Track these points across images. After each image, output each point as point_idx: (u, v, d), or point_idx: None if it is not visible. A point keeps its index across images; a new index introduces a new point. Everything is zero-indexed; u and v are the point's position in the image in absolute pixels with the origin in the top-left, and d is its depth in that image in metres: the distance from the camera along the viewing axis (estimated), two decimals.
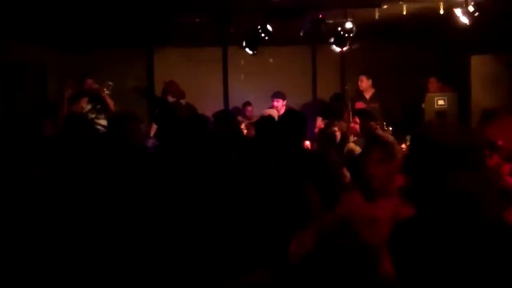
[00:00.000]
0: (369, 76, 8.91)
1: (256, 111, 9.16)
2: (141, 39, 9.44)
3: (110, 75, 8.56)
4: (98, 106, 8.14)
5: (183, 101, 8.79)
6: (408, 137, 6.90)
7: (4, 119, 7.67)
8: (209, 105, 8.97)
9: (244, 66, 9.82)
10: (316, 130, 8.11)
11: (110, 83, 8.15)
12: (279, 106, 8.67)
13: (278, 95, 8.84)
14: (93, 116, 8.02)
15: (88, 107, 8.12)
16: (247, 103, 9.48)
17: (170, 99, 8.58)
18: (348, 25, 7.82)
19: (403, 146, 6.63)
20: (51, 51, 9.09)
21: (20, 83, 8.39)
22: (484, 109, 5.32)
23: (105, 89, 8.08)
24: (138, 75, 10.03)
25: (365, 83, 8.87)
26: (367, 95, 8.82)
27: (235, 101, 10.00)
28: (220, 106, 9.88)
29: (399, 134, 6.84)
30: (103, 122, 7.85)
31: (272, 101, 8.85)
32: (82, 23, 7.80)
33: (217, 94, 10.18)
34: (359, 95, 8.88)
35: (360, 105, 8.54)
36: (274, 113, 7.92)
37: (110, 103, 8.12)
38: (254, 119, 8.55)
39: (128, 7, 7.07)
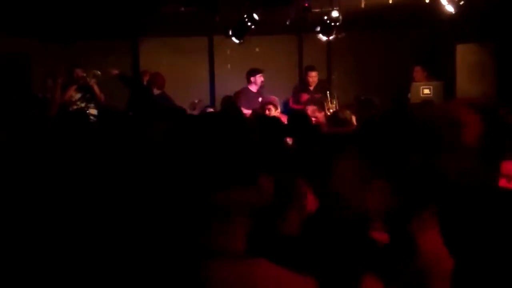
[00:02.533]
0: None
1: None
2: (126, 29, 9.35)
3: (95, 65, 8.36)
4: (88, 95, 8.06)
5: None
6: None
7: None
8: (195, 95, 8.93)
9: (230, 56, 9.78)
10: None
11: (98, 72, 8.05)
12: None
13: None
14: (82, 105, 7.97)
15: (78, 96, 8.03)
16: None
17: (156, 91, 8.47)
18: (334, 14, 7.82)
19: None
20: (35, 42, 8.98)
21: (4, 74, 8.29)
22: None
23: (92, 79, 7.98)
24: (123, 66, 9.86)
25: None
26: (312, 87, 8.75)
27: (222, 91, 9.85)
28: (206, 96, 9.87)
29: None
30: (93, 111, 7.88)
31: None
32: (66, 13, 7.72)
33: (203, 83, 10.13)
34: (305, 87, 8.80)
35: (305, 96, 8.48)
36: (276, 101, 7.83)
37: (98, 92, 8.05)
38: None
39: None
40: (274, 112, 7.51)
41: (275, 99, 7.84)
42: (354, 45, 9.65)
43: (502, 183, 2.42)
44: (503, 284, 1.62)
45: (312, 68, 8.80)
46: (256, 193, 1.42)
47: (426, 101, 8.02)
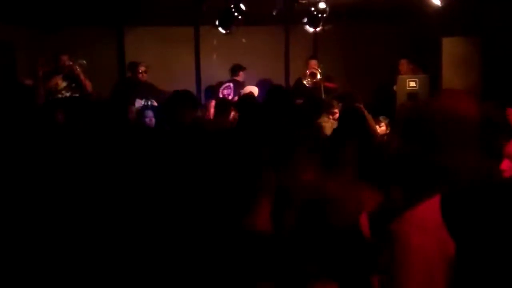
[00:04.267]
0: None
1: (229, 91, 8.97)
2: (111, 18, 9.21)
3: (80, 54, 8.31)
4: (73, 85, 7.94)
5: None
6: (382, 119, 6.88)
7: None
8: (181, 85, 8.73)
9: (216, 46, 9.66)
10: None
11: (83, 61, 7.96)
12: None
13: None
14: (67, 94, 7.86)
15: (63, 84, 7.92)
16: (221, 83, 9.23)
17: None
18: (321, 5, 7.79)
19: (377, 127, 6.60)
20: (19, 29, 8.82)
21: None
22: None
23: (79, 67, 7.89)
24: (108, 54, 9.82)
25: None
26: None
27: (208, 81, 9.85)
28: (192, 86, 9.77)
29: (372, 116, 6.76)
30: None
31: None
32: (52, 0, 7.56)
33: (190, 74, 10.02)
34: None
35: None
36: (255, 90, 7.82)
37: (84, 80, 7.93)
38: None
39: None
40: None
41: (255, 88, 7.83)
42: (341, 37, 9.62)
43: (506, 164, 2.39)
44: (506, 277, 1.59)
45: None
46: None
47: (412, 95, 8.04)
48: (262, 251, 1.77)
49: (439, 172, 1.59)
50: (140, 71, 8.44)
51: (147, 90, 8.29)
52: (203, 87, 10.04)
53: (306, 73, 8.50)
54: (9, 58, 8.77)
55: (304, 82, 8.34)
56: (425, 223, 1.64)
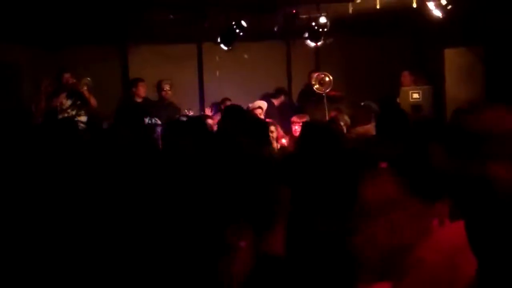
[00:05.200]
0: None
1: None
2: (115, 36, 9.27)
3: (85, 72, 8.40)
4: (78, 102, 8.01)
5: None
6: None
7: None
8: (185, 101, 8.85)
9: (219, 62, 9.65)
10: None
11: (88, 79, 8.03)
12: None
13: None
14: (73, 112, 7.90)
15: (68, 103, 7.98)
16: (226, 99, 9.19)
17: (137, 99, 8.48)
18: (322, 20, 7.80)
19: None
20: (24, 49, 8.86)
21: None
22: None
23: (83, 85, 7.97)
24: (112, 72, 9.87)
25: None
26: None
27: (211, 97, 9.83)
28: (196, 103, 9.80)
29: None
30: (83, 118, 7.81)
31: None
32: (55, 19, 7.62)
33: (193, 90, 10.04)
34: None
35: None
36: (264, 104, 7.81)
37: (90, 98, 8.00)
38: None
39: (102, 3, 6.92)
40: (262, 115, 7.51)
41: (264, 103, 7.81)
42: (342, 51, 9.62)
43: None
44: None
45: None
46: None
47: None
48: (276, 274, 1.74)
49: (490, 186, 1.56)
50: (165, 89, 8.52)
51: (172, 109, 8.33)
52: (206, 103, 10.00)
53: (313, 81, 8.40)
54: (15, 79, 8.79)
55: (315, 88, 8.27)
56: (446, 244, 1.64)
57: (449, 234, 1.69)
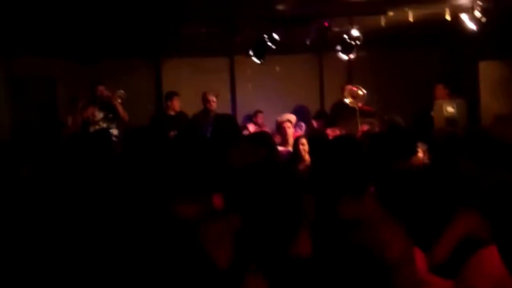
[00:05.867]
0: None
1: (265, 119, 9.11)
2: (149, 50, 9.40)
3: (118, 85, 8.52)
4: (110, 115, 8.13)
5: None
6: (420, 145, 6.73)
7: (15, 133, 7.68)
8: None
9: (251, 75, 9.75)
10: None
11: (122, 91, 8.14)
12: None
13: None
14: (104, 125, 8.01)
15: (100, 115, 8.10)
16: (258, 111, 9.35)
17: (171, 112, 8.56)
18: (354, 32, 7.80)
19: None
20: (60, 63, 9.04)
21: (30, 96, 8.43)
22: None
23: (117, 98, 8.08)
24: (146, 86, 9.99)
25: None
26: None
27: (244, 110, 9.91)
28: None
29: None
30: (115, 131, 7.92)
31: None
32: (90, 34, 7.79)
33: (225, 103, 10.03)
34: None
35: None
36: (293, 117, 7.81)
37: (122, 112, 8.11)
38: (265, 127, 8.57)
39: (136, 17, 7.06)
40: (291, 128, 7.50)
41: (293, 116, 7.80)
42: (375, 64, 9.60)
43: None
44: None
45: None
46: None
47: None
48: (304, 276, 1.82)
49: None
50: (211, 100, 8.51)
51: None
52: (238, 116, 10.00)
53: (345, 94, 8.36)
54: (50, 91, 9.00)
55: (347, 101, 8.23)
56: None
57: (495, 259, 1.72)
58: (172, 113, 8.55)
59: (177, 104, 8.58)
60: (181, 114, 8.60)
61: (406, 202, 2.82)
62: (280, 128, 7.50)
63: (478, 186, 2.53)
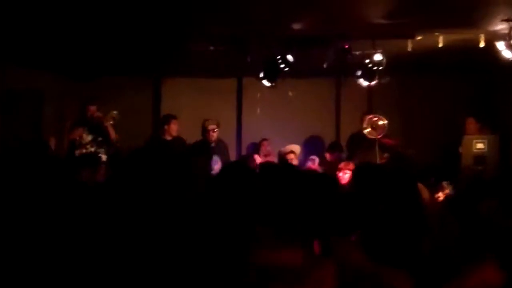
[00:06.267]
0: None
1: (273, 148, 9.14)
2: (148, 68, 9.47)
3: (111, 105, 8.62)
4: (100, 139, 8.21)
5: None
6: (445, 185, 6.78)
7: (1, 147, 7.80)
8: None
9: (260, 99, 9.85)
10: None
11: (115, 112, 8.22)
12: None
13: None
14: (92, 149, 8.07)
15: (88, 138, 8.19)
16: (264, 140, 9.40)
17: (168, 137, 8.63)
18: (377, 57, 7.83)
19: (440, 194, 6.50)
20: (50, 77, 9.20)
21: (16, 110, 8.58)
22: None
23: (109, 120, 8.17)
24: (143, 106, 10.11)
25: None
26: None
27: (250, 137, 10.02)
28: (233, 142, 9.95)
29: (434, 181, 6.71)
30: (104, 157, 7.90)
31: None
32: (85, 48, 7.85)
33: (230, 129, 10.17)
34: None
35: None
36: (297, 148, 7.87)
37: (112, 133, 8.19)
38: (271, 157, 8.67)
39: (135, 33, 7.09)
40: (295, 161, 7.55)
41: (297, 147, 7.85)
42: (399, 92, 9.71)
43: None
44: None
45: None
46: None
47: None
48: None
49: None
50: (211, 131, 8.55)
51: (221, 151, 8.45)
52: (243, 144, 10.21)
53: (364, 124, 8.46)
54: (37, 106, 9.11)
55: (366, 133, 8.30)
56: None
57: None
58: (169, 137, 8.61)
59: (174, 129, 8.66)
60: (178, 140, 8.67)
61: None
62: (282, 160, 7.59)
63: (500, 233, 2.69)
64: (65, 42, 7.43)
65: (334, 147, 9.14)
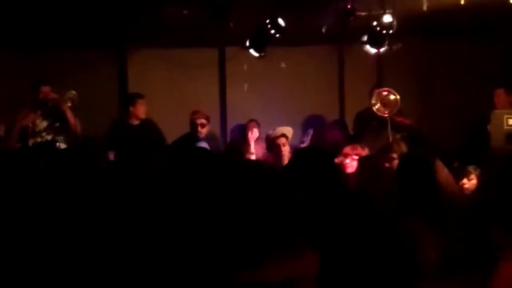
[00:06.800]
0: None
1: (263, 130, 8.83)
2: (111, 37, 9.39)
3: (69, 84, 8.55)
4: (57, 125, 8.19)
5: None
6: (472, 169, 6.74)
7: None
8: None
9: (247, 73, 9.83)
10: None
11: (73, 92, 8.15)
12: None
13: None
14: (49, 137, 8.09)
15: (43, 124, 8.16)
16: (253, 122, 9.15)
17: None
18: (387, 18, 7.88)
19: (465, 181, 6.46)
20: None
21: None
22: None
23: (67, 101, 8.09)
24: (106, 84, 10.02)
25: None
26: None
27: (235, 118, 9.96)
28: (215, 125, 9.80)
29: (459, 166, 6.65)
30: (63, 145, 7.95)
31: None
32: (30, 13, 7.74)
33: (212, 108, 9.92)
34: None
35: None
36: (289, 131, 7.78)
37: (71, 118, 8.14)
38: (260, 142, 8.55)
39: None
40: (287, 146, 7.47)
41: (289, 129, 7.78)
42: (413, 60, 9.65)
43: None
44: None
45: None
46: None
47: None
48: None
49: None
50: (201, 125, 8.55)
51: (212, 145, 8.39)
52: (229, 125, 10.15)
53: (373, 100, 8.35)
54: None
55: (375, 110, 8.24)
56: None
57: None
58: (135, 121, 8.64)
59: (141, 110, 8.66)
60: (146, 123, 8.70)
61: None
62: (272, 145, 7.52)
63: None
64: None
65: (336, 124, 9.20)
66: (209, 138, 8.57)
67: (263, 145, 8.18)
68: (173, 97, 9.20)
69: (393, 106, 8.23)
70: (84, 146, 6.89)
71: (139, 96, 8.68)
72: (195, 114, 8.59)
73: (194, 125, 8.53)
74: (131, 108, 8.62)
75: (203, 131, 8.53)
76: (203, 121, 8.53)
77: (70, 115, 8.12)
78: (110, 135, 8.50)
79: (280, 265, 2.87)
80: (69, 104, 8.10)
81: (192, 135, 8.53)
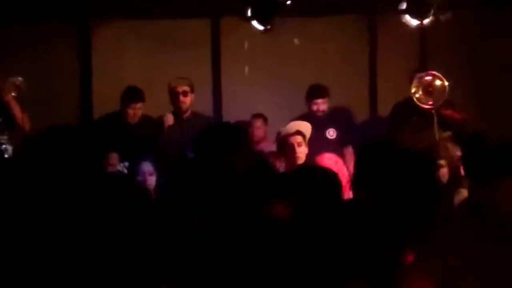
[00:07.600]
0: None
1: (271, 126, 9.12)
2: (69, 7, 9.41)
3: (17, 66, 8.72)
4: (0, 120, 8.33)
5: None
6: None
7: None
8: None
9: (248, 51, 9.86)
10: None
11: (19, 79, 8.26)
12: None
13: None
14: None
15: None
16: (258, 117, 9.37)
17: None
18: None
19: None
20: None
21: None
22: None
23: (10, 90, 8.22)
24: (63, 65, 9.94)
25: None
26: None
27: (234, 111, 9.79)
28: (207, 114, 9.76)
29: None
30: (9, 148, 8.12)
31: None
32: None
33: (202, 96, 9.88)
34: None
35: None
36: (306, 127, 7.73)
37: (17, 111, 8.27)
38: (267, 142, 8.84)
39: None
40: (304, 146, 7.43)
41: (307, 125, 7.74)
42: (467, 36, 9.63)
43: None
44: None
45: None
46: None
47: None
48: None
49: None
50: (183, 92, 8.67)
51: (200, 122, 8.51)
52: (225, 116, 10.01)
53: (414, 87, 8.41)
54: None
55: (416, 100, 8.30)
56: None
57: None
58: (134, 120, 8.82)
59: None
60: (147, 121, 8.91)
61: None
62: (284, 144, 7.49)
63: None
64: None
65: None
66: (193, 116, 8.74)
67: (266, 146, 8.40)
68: (151, 83, 9.17)
69: (440, 95, 8.26)
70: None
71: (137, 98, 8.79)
72: (174, 80, 8.71)
73: (174, 94, 8.64)
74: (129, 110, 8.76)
75: (186, 101, 8.64)
76: (186, 88, 8.63)
77: (15, 108, 8.25)
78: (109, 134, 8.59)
79: None
80: (13, 94, 8.23)
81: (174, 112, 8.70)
